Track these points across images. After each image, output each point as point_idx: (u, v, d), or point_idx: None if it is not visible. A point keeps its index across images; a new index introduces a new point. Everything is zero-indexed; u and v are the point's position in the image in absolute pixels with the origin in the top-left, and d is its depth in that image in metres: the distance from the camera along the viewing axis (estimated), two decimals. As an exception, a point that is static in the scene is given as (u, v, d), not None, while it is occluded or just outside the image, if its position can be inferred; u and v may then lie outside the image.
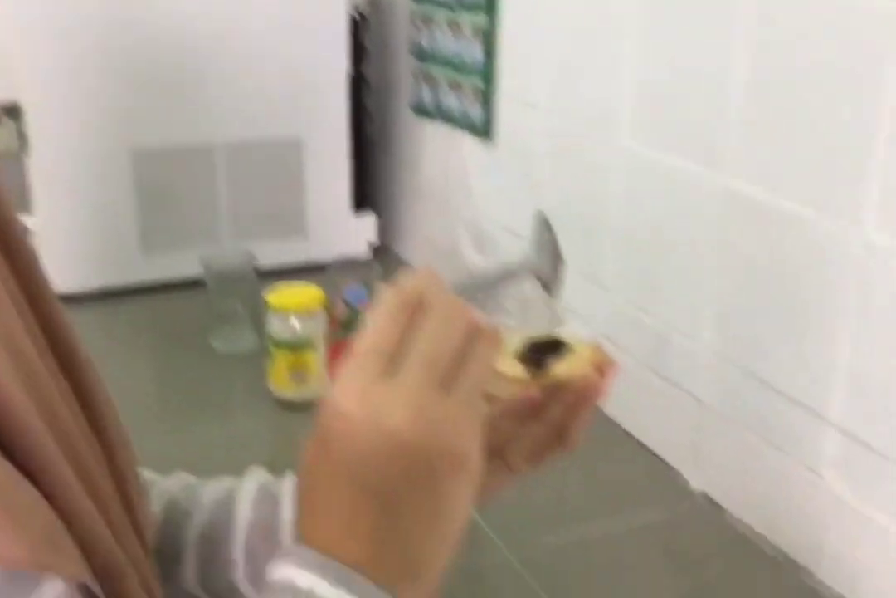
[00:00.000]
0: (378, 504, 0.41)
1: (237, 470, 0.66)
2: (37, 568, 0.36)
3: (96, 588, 0.40)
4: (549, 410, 0.55)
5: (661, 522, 1.00)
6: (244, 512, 0.62)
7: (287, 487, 0.63)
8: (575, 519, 1.00)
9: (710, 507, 1.02)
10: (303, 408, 1.19)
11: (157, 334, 1.42)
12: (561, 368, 0.55)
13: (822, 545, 0.89)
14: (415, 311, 0.43)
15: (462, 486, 0.42)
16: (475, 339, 0.44)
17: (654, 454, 1.11)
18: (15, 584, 0.36)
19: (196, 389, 1.27)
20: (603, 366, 0.55)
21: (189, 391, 1.27)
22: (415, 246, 1.68)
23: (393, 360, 0.42)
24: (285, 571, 0.41)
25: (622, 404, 1.15)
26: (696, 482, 1.05)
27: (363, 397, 0.41)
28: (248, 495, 0.63)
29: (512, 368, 0.55)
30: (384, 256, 1.65)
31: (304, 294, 1.22)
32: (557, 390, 0.55)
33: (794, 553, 0.93)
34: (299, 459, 0.43)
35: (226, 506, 0.63)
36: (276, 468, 0.68)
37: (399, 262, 1.69)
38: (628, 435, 1.14)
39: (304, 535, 0.42)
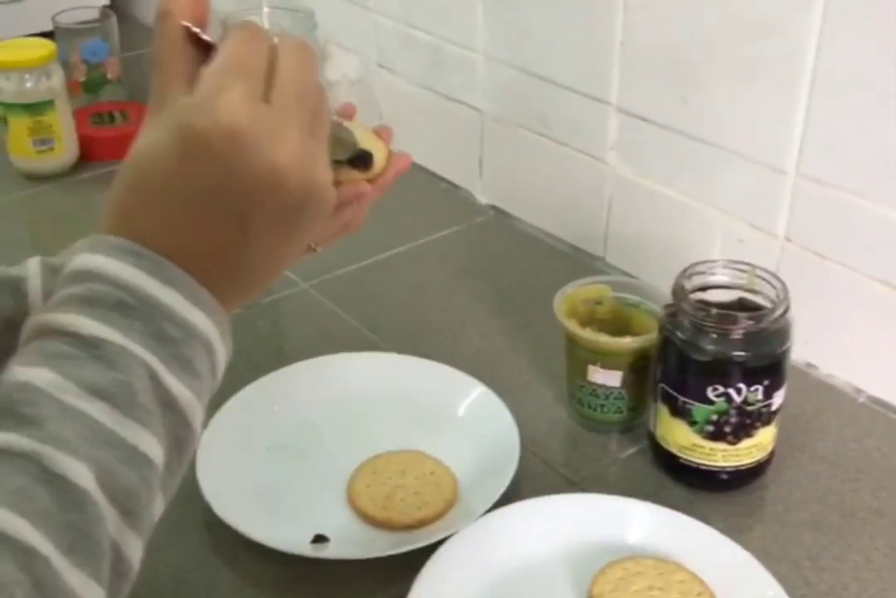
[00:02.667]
0: (235, 229, 0.40)
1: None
2: None
3: None
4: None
5: (455, 239, 1.01)
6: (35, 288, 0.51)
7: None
8: (369, 252, 0.98)
9: (501, 218, 1.03)
10: (51, 178, 1.10)
11: None
12: (378, 163, 0.58)
13: (607, 230, 0.93)
14: (271, 45, 0.41)
15: (317, 224, 0.43)
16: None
17: (442, 178, 1.09)
18: None
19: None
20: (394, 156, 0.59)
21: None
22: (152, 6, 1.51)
23: (267, 89, 0.40)
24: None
25: (407, 133, 1.12)
26: (485, 197, 1.05)
27: (253, 119, 0.38)
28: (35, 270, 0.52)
29: (347, 174, 0.56)
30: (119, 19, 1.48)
31: (31, 47, 1.08)
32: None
33: (583, 244, 0.96)
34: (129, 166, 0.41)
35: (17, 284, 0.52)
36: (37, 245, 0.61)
37: (135, 23, 1.53)
38: (415, 165, 1.12)
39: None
